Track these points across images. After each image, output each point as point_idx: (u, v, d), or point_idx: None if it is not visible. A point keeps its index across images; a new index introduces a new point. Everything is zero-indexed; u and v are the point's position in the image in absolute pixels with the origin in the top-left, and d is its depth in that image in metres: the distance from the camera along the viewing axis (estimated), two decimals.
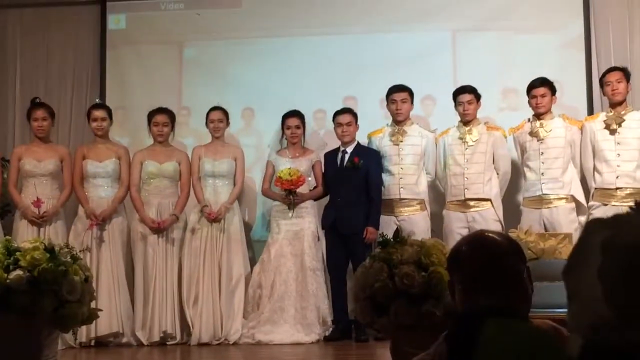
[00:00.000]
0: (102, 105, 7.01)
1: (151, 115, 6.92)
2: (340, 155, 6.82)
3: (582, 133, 6.57)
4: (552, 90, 6.55)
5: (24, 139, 7.42)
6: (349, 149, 6.80)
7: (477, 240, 2.01)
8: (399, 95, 6.79)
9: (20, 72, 8.01)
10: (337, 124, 6.83)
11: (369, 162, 6.71)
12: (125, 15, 8.00)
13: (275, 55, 7.71)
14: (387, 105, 6.87)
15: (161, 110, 6.91)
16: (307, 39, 7.73)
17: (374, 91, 7.32)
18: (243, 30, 7.80)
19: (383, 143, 6.84)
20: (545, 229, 6.24)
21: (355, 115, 6.86)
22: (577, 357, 1.04)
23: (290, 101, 7.15)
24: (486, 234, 2.04)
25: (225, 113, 6.98)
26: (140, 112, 7.23)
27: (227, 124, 7.02)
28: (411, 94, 6.82)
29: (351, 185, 6.66)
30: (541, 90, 6.50)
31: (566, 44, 7.37)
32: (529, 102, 6.59)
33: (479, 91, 6.69)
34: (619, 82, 6.42)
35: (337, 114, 6.87)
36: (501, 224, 6.50)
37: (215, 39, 7.88)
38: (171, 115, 6.95)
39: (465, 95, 6.64)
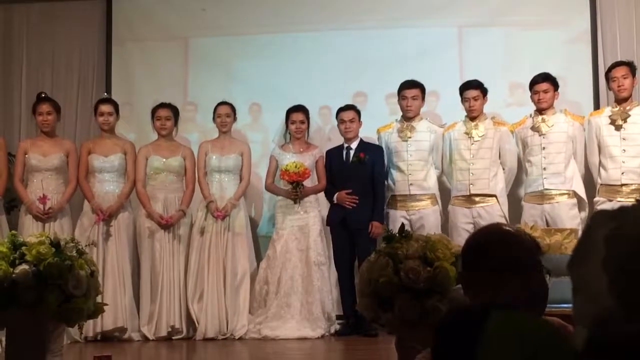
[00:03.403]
0: (109, 100, 7.00)
1: (154, 110, 6.93)
2: (345, 151, 6.82)
3: (586, 128, 6.54)
4: (555, 85, 6.51)
5: (30, 134, 7.42)
6: (354, 145, 6.81)
7: (501, 235, 1.98)
8: (410, 92, 6.78)
9: (26, 67, 8.02)
10: (340, 121, 6.84)
11: (374, 157, 6.73)
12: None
13: (281, 51, 7.70)
14: (398, 100, 6.85)
15: (164, 105, 6.91)
16: (313, 35, 7.72)
17: (381, 87, 7.33)
18: (249, 25, 7.79)
19: (392, 139, 6.83)
20: (547, 225, 6.22)
21: (358, 112, 6.85)
22: (582, 349, 1.04)
23: (297, 97, 7.14)
24: (504, 227, 2.02)
25: (233, 108, 6.98)
26: (146, 108, 7.24)
27: (235, 119, 7.02)
28: (423, 90, 6.80)
29: (358, 181, 6.67)
30: (544, 85, 6.47)
31: (572, 39, 7.34)
32: (531, 97, 6.56)
33: (485, 86, 6.67)
34: (624, 78, 6.37)
35: (340, 110, 6.88)
36: (506, 220, 6.49)
37: (221, 35, 7.87)
38: (174, 110, 6.95)
39: (472, 91, 6.61)
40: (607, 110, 6.52)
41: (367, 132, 6.98)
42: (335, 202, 6.75)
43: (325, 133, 7.50)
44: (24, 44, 8.06)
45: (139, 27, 7.98)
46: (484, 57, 7.35)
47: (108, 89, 7.78)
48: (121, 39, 7.97)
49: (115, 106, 6.93)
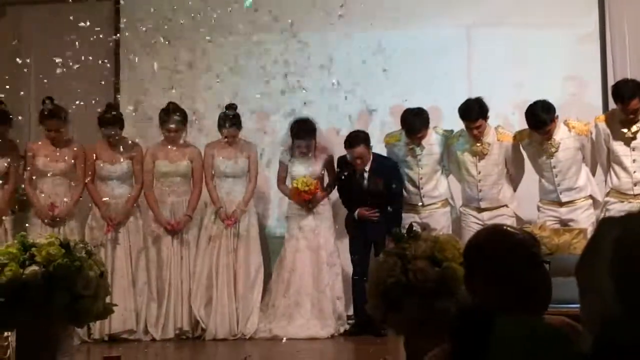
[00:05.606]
0: (110, 121, 6.80)
1: (163, 120, 6.82)
2: (358, 175, 6.75)
3: (593, 131, 6.40)
4: (554, 114, 6.30)
5: (39, 135, 7.42)
6: (367, 167, 6.74)
7: (497, 233, 2.01)
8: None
9: (34, 68, 8.02)
10: (351, 157, 6.70)
11: (390, 176, 6.69)
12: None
13: (289, 54, 7.69)
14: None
15: (172, 117, 6.77)
16: (319, 37, 7.70)
17: (388, 88, 7.30)
18: (256, 28, 7.78)
19: (401, 152, 6.80)
20: (565, 226, 6.20)
21: (367, 140, 6.69)
22: (589, 353, 1.04)
23: (304, 99, 7.13)
24: (504, 226, 2.05)
25: (238, 125, 6.86)
26: (154, 110, 7.21)
27: (240, 128, 6.92)
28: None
29: (376, 199, 6.66)
30: (549, 126, 6.28)
31: (581, 38, 7.33)
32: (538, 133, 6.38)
33: (494, 87, 6.66)
34: (636, 111, 6.15)
35: (348, 147, 6.68)
36: (517, 220, 6.50)
37: (229, 37, 7.87)
38: (183, 117, 6.86)
39: (473, 122, 6.47)
40: (614, 118, 6.31)
41: (375, 134, 6.96)
42: (357, 218, 6.74)
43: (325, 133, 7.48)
44: (32, 45, 8.07)
45: (147, 29, 7.97)
46: (492, 56, 7.34)
47: (116, 91, 7.78)
48: (129, 40, 7.97)
49: (120, 120, 6.82)
